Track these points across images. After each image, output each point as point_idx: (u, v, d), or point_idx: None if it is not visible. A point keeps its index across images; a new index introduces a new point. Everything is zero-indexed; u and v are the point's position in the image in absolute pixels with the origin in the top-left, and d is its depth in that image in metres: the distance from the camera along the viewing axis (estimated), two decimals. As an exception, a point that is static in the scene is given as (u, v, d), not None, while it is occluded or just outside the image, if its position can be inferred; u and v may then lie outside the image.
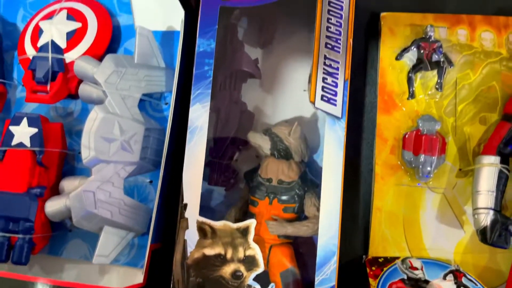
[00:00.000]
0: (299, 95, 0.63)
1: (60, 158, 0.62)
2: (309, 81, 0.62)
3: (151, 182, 0.62)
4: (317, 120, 0.62)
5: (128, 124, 0.57)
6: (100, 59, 0.62)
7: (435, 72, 0.60)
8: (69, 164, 0.65)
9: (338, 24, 0.55)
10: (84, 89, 0.61)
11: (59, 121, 0.66)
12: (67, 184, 0.59)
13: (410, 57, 0.61)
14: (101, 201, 0.56)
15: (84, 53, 0.63)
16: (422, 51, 0.60)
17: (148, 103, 0.65)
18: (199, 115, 0.54)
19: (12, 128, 0.60)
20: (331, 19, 0.55)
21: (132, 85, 0.59)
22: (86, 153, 0.55)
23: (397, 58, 0.61)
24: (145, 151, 0.58)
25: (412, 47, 0.61)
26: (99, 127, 0.55)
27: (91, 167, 0.56)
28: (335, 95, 0.54)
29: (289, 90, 0.63)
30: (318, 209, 0.54)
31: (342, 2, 0.55)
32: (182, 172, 0.54)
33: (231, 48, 0.62)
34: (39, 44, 0.64)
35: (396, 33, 0.62)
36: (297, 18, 0.62)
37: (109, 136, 0.56)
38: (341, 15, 0.55)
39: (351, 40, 0.55)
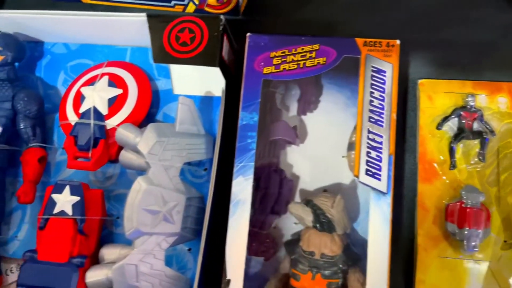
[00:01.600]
0: (338, 161, 0.63)
1: (100, 225, 0.62)
2: (348, 148, 0.62)
3: (189, 250, 0.62)
4: (356, 187, 0.62)
5: (170, 195, 0.57)
6: (141, 125, 0.64)
7: (476, 141, 0.60)
8: (107, 230, 0.65)
9: (381, 98, 0.55)
10: (125, 157, 0.61)
11: (98, 185, 0.67)
12: (107, 252, 0.60)
13: (451, 126, 0.61)
14: (143, 273, 0.55)
15: (125, 120, 0.64)
16: (463, 121, 0.60)
17: (187, 170, 0.65)
18: (242, 188, 0.55)
19: (54, 196, 0.61)
20: (373, 93, 0.55)
21: (174, 155, 0.59)
22: (129, 226, 0.55)
23: (438, 128, 0.61)
24: (185, 221, 0.58)
25: (453, 116, 0.61)
26: (143, 199, 0.56)
27: (134, 239, 0.56)
28: (380, 169, 0.54)
29: (328, 157, 0.63)
30: (362, 284, 0.54)
31: (385, 75, 0.56)
32: (222, 243, 0.54)
33: (270, 117, 0.62)
34: (81, 110, 0.65)
35: (435, 100, 0.62)
36: (337, 87, 0.62)
37: (152, 208, 0.56)
38: (384, 89, 0.55)
39: (394, 115, 0.55)
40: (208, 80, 0.67)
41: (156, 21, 0.59)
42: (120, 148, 0.64)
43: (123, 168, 0.66)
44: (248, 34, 0.58)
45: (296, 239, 0.58)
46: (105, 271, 0.57)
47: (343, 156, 0.62)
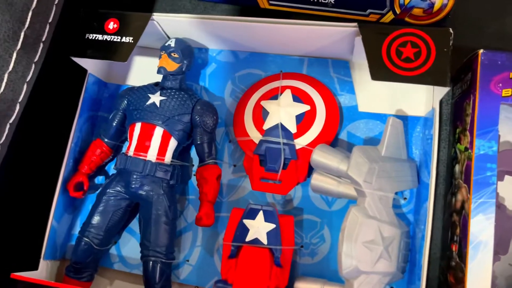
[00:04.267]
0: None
1: (291, 256, 0.57)
2: None
3: (391, 289, 0.56)
4: None
5: (387, 229, 0.51)
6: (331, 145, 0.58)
7: None
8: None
9: None
10: (320, 181, 0.56)
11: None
12: (305, 287, 0.54)
13: None
14: (359, 317, 0.50)
15: (315, 140, 0.59)
16: None
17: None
18: (483, 228, 0.48)
19: (246, 222, 0.55)
20: None
21: (386, 184, 0.53)
22: (349, 263, 0.49)
23: None
24: (399, 258, 0.52)
25: None
26: (362, 233, 0.50)
27: (350, 279, 0.50)
28: None
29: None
30: None
31: None
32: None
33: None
34: (265, 126, 0.60)
35: None
36: None
37: (372, 244, 0.50)
38: None
39: None
40: (398, 98, 0.61)
41: (372, 32, 0.53)
42: (310, 169, 0.58)
43: (305, 190, 0.61)
44: (481, 51, 0.51)
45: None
46: (313, 311, 0.51)
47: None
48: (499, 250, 0.54)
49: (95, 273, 0.62)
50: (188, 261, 0.61)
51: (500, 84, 0.51)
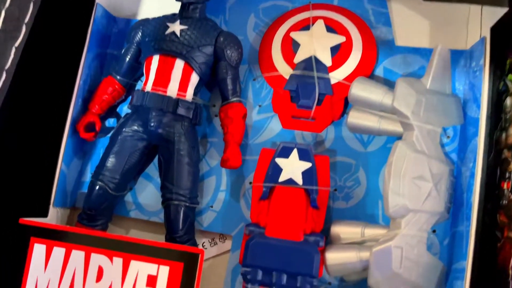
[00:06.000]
0: None
1: (328, 198, 0.52)
2: None
3: (434, 232, 0.52)
4: None
5: (437, 165, 0.47)
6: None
7: None
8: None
9: None
10: (359, 117, 0.51)
11: (306, 150, 0.57)
12: (344, 231, 0.49)
13: None
14: (406, 258, 0.45)
15: (352, 74, 0.54)
16: None
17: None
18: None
19: (279, 161, 0.51)
20: None
21: (432, 117, 0.49)
22: (396, 201, 0.45)
23: None
24: (447, 197, 0.48)
25: None
26: (411, 169, 0.45)
27: (396, 217, 0.46)
28: None
29: None
30: None
31: None
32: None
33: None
34: (296, 60, 0.54)
35: None
36: None
37: (421, 180, 0.46)
38: None
39: None
40: (438, 30, 0.56)
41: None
42: (345, 106, 0.54)
43: (338, 130, 0.56)
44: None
45: None
46: (354, 253, 0.47)
47: None
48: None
49: (110, 222, 0.57)
50: (212, 207, 0.56)
51: None
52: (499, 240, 0.49)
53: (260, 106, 0.58)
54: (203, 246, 0.57)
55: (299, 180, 0.50)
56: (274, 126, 0.57)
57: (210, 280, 0.55)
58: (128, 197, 0.59)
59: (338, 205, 0.55)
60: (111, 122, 0.62)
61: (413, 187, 0.46)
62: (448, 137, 0.54)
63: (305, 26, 0.56)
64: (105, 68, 0.63)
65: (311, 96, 0.52)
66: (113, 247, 0.48)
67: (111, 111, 0.61)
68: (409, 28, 0.57)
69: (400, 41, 0.57)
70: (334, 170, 0.56)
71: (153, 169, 0.59)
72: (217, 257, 0.57)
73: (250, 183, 0.55)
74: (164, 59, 0.54)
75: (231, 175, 0.57)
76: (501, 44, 0.53)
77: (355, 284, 0.52)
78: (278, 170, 0.50)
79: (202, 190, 0.57)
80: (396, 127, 0.50)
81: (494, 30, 0.51)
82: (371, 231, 0.48)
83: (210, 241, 0.57)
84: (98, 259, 0.47)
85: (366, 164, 0.55)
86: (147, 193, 0.59)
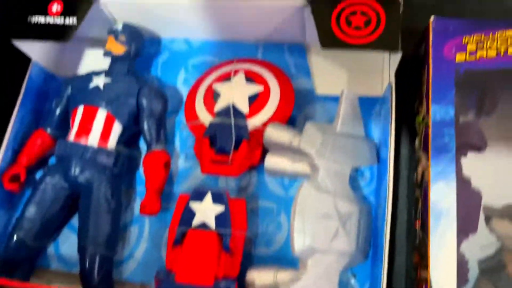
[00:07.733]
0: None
1: (244, 243, 0.52)
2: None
3: (354, 276, 0.51)
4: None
5: (344, 205, 0.47)
6: (285, 127, 0.55)
7: None
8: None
9: None
10: (274, 161, 0.52)
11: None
12: (259, 276, 0.48)
13: None
14: (315, 302, 0.44)
15: (269, 120, 0.55)
16: None
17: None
18: (444, 195, 0.44)
19: (193, 205, 0.51)
20: None
21: (340, 157, 0.50)
22: (301, 241, 0.44)
23: None
24: (358, 238, 0.48)
25: None
26: (316, 208, 0.46)
27: (304, 258, 0.45)
28: None
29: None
30: None
31: None
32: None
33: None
34: (216, 109, 0.56)
35: None
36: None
37: (326, 218, 0.46)
38: None
39: None
40: (355, 78, 0.59)
41: (321, 2, 0.51)
42: (264, 152, 0.55)
43: (260, 176, 0.57)
44: (432, 18, 0.50)
45: (503, 264, 0.47)
46: (264, 298, 0.46)
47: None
48: (467, 227, 0.50)
49: (31, 275, 0.56)
50: (133, 256, 0.56)
51: (454, 50, 0.49)
52: (414, 281, 0.48)
53: (186, 154, 0.60)
54: (122, 297, 0.55)
55: (212, 224, 0.49)
56: (199, 173, 0.58)
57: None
58: (51, 248, 0.58)
59: (260, 251, 0.54)
60: (41, 174, 0.63)
61: (319, 226, 0.45)
62: (365, 179, 0.55)
63: (227, 78, 0.59)
64: (41, 123, 0.65)
65: (228, 140, 0.54)
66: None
67: (41, 163, 0.62)
68: (328, 78, 0.60)
69: (319, 90, 0.60)
70: (256, 215, 0.56)
71: (77, 221, 0.59)
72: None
73: (172, 230, 0.55)
74: (87, 109, 0.56)
75: (153, 224, 0.57)
76: (408, 87, 0.56)
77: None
78: (192, 214, 0.50)
79: (125, 239, 0.57)
80: (307, 169, 0.50)
81: (398, 75, 0.54)
82: (283, 275, 0.47)
83: (130, 293, 0.55)
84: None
85: (287, 208, 0.55)
86: (70, 244, 0.58)
